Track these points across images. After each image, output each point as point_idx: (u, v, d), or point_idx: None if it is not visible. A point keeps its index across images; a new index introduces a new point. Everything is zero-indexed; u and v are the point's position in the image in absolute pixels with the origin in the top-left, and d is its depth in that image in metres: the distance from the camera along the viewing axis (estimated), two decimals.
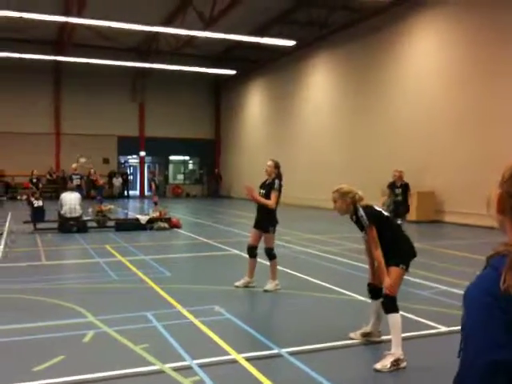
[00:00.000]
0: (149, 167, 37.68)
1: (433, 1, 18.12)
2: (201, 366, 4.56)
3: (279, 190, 7.50)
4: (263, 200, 7.47)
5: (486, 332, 1.18)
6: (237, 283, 7.78)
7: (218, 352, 4.91)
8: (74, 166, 18.78)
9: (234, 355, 4.82)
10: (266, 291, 7.45)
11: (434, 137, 18.05)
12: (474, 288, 1.27)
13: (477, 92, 16.42)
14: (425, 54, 18.74)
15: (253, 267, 7.77)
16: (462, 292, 5.01)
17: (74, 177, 18.08)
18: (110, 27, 20.97)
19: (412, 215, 17.32)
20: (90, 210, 16.98)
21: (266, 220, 7.55)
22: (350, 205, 4.97)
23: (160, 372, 4.45)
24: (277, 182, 7.51)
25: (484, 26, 16.15)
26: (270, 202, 7.41)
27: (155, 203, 19.33)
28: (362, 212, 4.84)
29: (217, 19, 20.78)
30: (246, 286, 7.74)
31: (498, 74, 15.59)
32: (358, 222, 4.95)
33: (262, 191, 7.60)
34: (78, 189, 17.74)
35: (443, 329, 5.70)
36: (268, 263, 7.73)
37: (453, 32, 17.49)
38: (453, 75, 17.49)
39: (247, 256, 7.87)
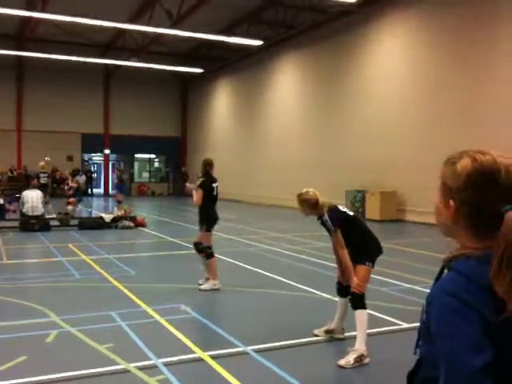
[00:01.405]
0: (113, 165, 37.27)
1: (399, 3, 18.44)
2: (166, 364, 4.55)
3: (203, 188, 7.50)
4: (193, 198, 7.59)
5: (462, 337, 1.19)
6: (200, 281, 7.74)
7: (184, 350, 4.92)
8: (41, 163, 18.44)
9: (199, 353, 4.83)
10: (200, 290, 7.43)
11: (398, 137, 18.38)
12: (440, 293, 1.27)
13: (443, 93, 16.80)
14: (391, 54, 19.07)
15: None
16: (422, 289, 5.22)
17: (41, 175, 17.73)
18: (75, 23, 20.62)
19: (375, 214, 17.68)
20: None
21: (199, 218, 7.67)
22: (311, 210, 5.05)
23: (125, 371, 4.43)
24: (201, 180, 7.56)
25: (449, 26, 16.51)
26: (194, 200, 7.54)
27: (119, 202, 19.05)
28: (326, 217, 4.93)
29: (184, 17, 20.66)
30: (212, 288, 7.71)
31: (464, 74, 15.95)
32: (324, 225, 5.04)
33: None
34: (43, 187, 17.48)
35: (405, 325, 5.84)
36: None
37: (419, 33, 17.83)
38: (419, 76, 17.82)
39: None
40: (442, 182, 1.37)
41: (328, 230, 5.01)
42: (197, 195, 7.51)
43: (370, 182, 18.87)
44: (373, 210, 17.97)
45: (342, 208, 5.17)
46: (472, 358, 1.16)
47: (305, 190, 5.13)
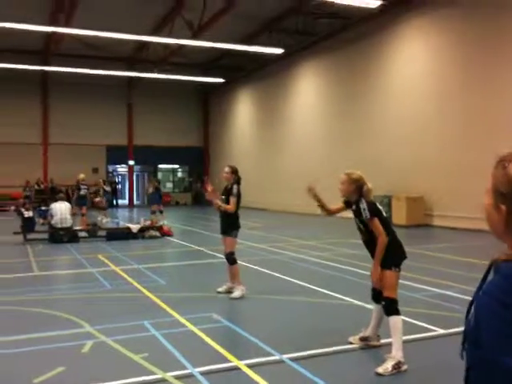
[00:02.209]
0: (138, 176, 37.62)
1: (419, 8, 18.34)
2: (203, 373, 4.55)
3: (238, 195, 7.56)
4: (224, 206, 7.58)
5: (505, 343, 1.18)
6: (219, 289, 7.85)
7: (219, 359, 4.91)
8: (81, 176, 18.76)
9: (235, 362, 4.82)
10: (232, 299, 7.46)
11: (422, 142, 18.21)
12: (484, 297, 1.27)
13: (465, 98, 16.61)
14: (411, 60, 18.94)
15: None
16: (453, 294, 5.15)
17: (82, 187, 18.01)
18: (97, 37, 20.95)
19: (401, 219, 17.50)
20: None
21: (228, 225, 7.68)
22: (354, 192, 4.99)
23: (162, 381, 4.44)
24: (235, 187, 7.57)
25: (471, 31, 16.37)
26: (230, 207, 7.52)
27: (161, 212, 19.32)
28: (365, 205, 4.86)
29: (205, 28, 20.86)
30: (229, 291, 7.78)
31: (487, 80, 15.78)
32: (357, 212, 4.95)
33: (223, 197, 7.69)
34: (83, 198, 17.76)
35: (441, 331, 5.74)
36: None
37: (440, 38, 17.70)
38: (440, 81, 17.68)
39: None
40: (493, 185, 1.34)
41: (357, 216, 4.93)
42: (233, 203, 7.53)
43: (396, 186, 18.69)
44: (399, 215, 17.79)
45: (378, 206, 5.10)
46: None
47: (350, 170, 5.12)
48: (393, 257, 4.89)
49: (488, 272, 1.33)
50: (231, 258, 7.67)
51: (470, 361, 1.32)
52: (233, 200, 7.56)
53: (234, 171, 7.80)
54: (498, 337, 1.19)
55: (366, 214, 4.84)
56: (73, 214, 17.23)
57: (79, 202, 17.79)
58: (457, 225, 16.59)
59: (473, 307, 1.31)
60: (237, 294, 7.57)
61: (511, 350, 1.16)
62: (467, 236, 14.98)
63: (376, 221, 4.84)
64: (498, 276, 1.28)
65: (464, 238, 14.72)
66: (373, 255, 5.01)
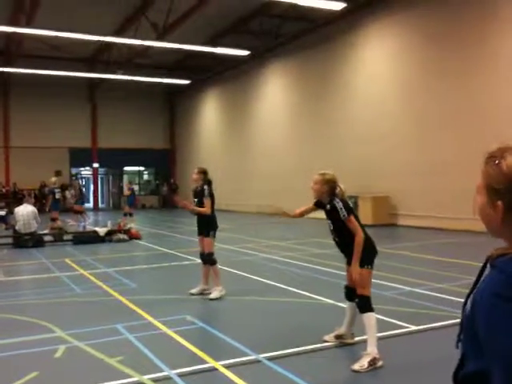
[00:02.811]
0: (102, 179, 37.09)
1: (382, 10, 18.67)
2: (180, 375, 4.53)
3: (211, 195, 7.59)
4: (198, 209, 7.60)
5: (508, 334, 1.19)
6: (192, 290, 7.83)
7: (196, 361, 4.90)
8: (53, 179, 18.43)
9: (212, 363, 4.81)
10: (211, 300, 7.46)
11: (387, 142, 18.53)
12: (483, 292, 1.27)
13: (428, 98, 17.00)
14: (375, 61, 19.27)
15: (207, 274, 7.86)
16: (424, 292, 5.29)
17: (55, 190, 17.64)
18: (60, 37, 20.58)
19: (368, 219, 17.74)
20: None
21: (205, 225, 7.71)
22: (327, 192, 5.01)
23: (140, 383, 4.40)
24: (206, 188, 7.60)
25: (433, 31, 16.75)
26: (205, 209, 7.55)
27: (131, 214, 19.29)
28: (341, 205, 4.88)
29: (170, 29, 20.70)
30: (202, 293, 7.79)
31: (449, 80, 16.17)
32: (330, 212, 4.97)
33: (196, 200, 7.71)
34: (58, 202, 17.48)
35: (413, 328, 5.86)
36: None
37: (403, 39, 18.06)
38: (404, 82, 18.05)
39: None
40: (486, 183, 1.34)
41: (330, 217, 4.96)
42: (208, 204, 7.55)
43: (362, 187, 18.94)
44: (365, 215, 17.99)
45: (350, 204, 5.17)
46: None
47: (324, 171, 5.14)
48: (366, 255, 4.94)
49: (484, 267, 1.34)
50: (211, 259, 7.67)
51: (467, 352, 1.35)
52: (207, 201, 7.56)
53: (203, 172, 7.81)
54: (497, 329, 1.21)
55: (343, 212, 4.86)
56: (53, 219, 16.95)
57: (54, 206, 17.43)
58: (421, 224, 16.96)
59: (469, 301, 1.32)
60: (215, 294, 7.55)
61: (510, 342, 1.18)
62: (431, 234, 15.33)
63: (353, 218, 4.90)
64: (495, 271, 1.28)
65: (428, 236, 15.05)
66: (346, 255, 5.08)
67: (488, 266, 1.33)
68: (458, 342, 1.41)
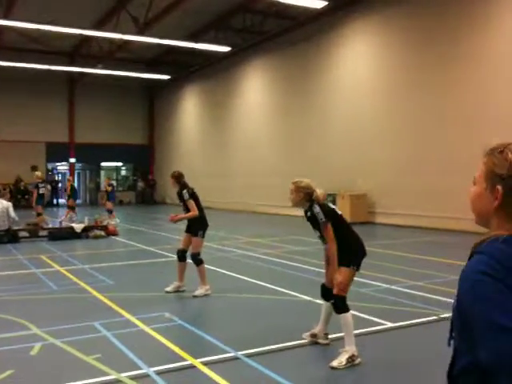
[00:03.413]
0: (79, 174, 36.64)
1: (365, 8, 18.77)
2: (158, 373, 4.51)
3: (192, 197, 7.61)
4: (185, 216, 7.67)
5: (492, 304, 1.25)
6: (167, 288, 7.80)
7: (174, 358, 4.88)
8: (38, 173, 18.12)
9: (190, 361, 4.80)
10: (194, 297, 7.46)
11: (366, 141, 18.68)
12: (467, 273, 1.34)
13: (407, 97, 17.16)
14: (357, 59, 19.39)
15: (182, 271, 7.83)
16: (400, 289, 5.36)
17: (40, 185, 17.32)
18: (38, 30, 20.26)
19: (346, 217, 17.83)
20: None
21: (195, 224, 7.71)
22: (303, 199, 4.99)
23: (117, 382, 4.37)
24: (184, 191, 7.63)
25: (416, 29, 16.90)
26: (193, 214, 7.57)
27: (110, 211, 19.19)
28: (318, 209, 4.85)
29: (151, 23, 20.53)
30: (177, 290, 7.78)
31: (431, 79, 16.30)
32: (312, 219, 4.96)
33: (181, 203, 7.77)
34: (42, 197, 17.37)
35: (389, 324, 5.93)
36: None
37: (385, 37, 18.19)
38: (384, 80, 18.19)
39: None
40: (488, 170, 1.42)
41: (314, 224, 4.95)
42: (192, 206, 7.55)
43: (341, 185, 19.08)
44: (343, 213, 17.93)
45: (331, 205, 5.18)
46: (504, 319, 1.22)
47: (298, 179, 5.10)
48: (352, 254, 4.93)
49: (470, 259, 1.39)
50: (197, 259, 7.62)
51: (459, 346, 1.38)
52: (190, 204, 7.56)
53: (176, 176, 7.81)
54: (486, 301, 1.26)
55: (320, 216, 4.84)
56: (39, 214, 16.67)
57: (39, 201, 17.14)
58: (398, 222, 17.14)
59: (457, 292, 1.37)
60: (200, 292, 7.54)
61: (500, 310, 1.23)
62: (408, 232, 15.51)
63: (329, 226, 4.84)
64: (478, 255, 1.34)
65: (405, 234, 15.22)
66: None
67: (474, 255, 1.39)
68: (450, 339, 1.44)
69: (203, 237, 7.74)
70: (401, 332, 5.75)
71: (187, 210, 7.66)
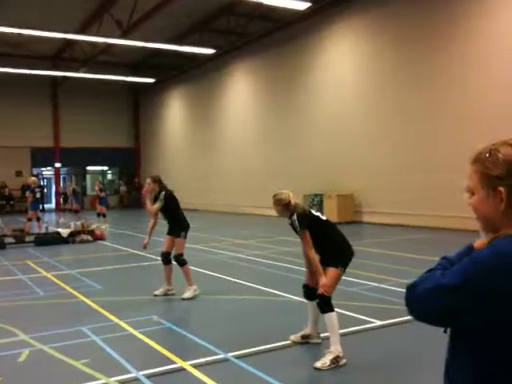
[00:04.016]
0: (64, 179, 36.38)
1: (348, 9, 18.87)
2: (148, 376, 4.50)
3: (166, 199, 7.64)
4: (151, 224, 7.89)
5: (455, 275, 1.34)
6: (156, 292, 7.79)
7: (164, 361, 4.87)
8: (33, 178, 17.96)
9: (180, 363, 4.79)
10: (183, 299, 7.45)
11: (352, 141, 18.78)
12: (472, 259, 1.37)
13: (394, 97, 17.28)
14: (342, 60, 19.49)
15: (169, 274, 7.84)
16: (389, 287, 5.40)
17: (36, 189, 17.14)
18: (20, 34, 20.10)
19: (333, 217, 17.94)
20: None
21: (174, 226, 7.77)
22: (283, 210, 5.15)
23: None
24: (162, 194, 7.67)
25: (400, 29, 17.03)
26: (152, 209, 7.67)
27: (104, 215, 19.26)
28: (295, 217, 5.02)
29: (135, 26, 20.44)
30: (166, 293, 7.77)
31: (417, 79, 16.41)
32: (293, 226, 5.11)
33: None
34: (38, 202, 17.24)
35: (378, 323, 5.97)
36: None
37: (369, 38, 18.30)
38: (370, 81, 18.29)
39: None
40: (483, 175, 1.41)
41: (296, 231, 5.07)
42: (155, 207, 7.63)
43: (328, 185, 19.17)
44: (331, 213, 18.16)
45: (314, 212, 5.25)
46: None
47: (280, 191, 5.24)
48: (339, 255, 4.99)
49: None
50: (180, 260, 7.63)
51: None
52: (155, 205, 7.65)
53: (156, 181, 7.84)
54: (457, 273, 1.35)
55: (296, 224, 4.99)
56: (29, 219, 16.47)
57: (34, 205, 16.95)
58: (385, 221, 17.25)
59: None
60: (188, 294, 7.53)
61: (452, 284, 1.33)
62: (394, 231, 15.61)
63: (306, 234, 4.96)
64: (487, 249, 1.35)
65: (392, 233, 15.32)
66: (322, 262, 5.09)
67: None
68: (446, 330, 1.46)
69: (185, 237, 7.78)
70: (388, 330, 5.79)
71: (167, 213, 7.73)
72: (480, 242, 1.46)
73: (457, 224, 13.72)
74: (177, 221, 7.76)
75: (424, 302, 1.39)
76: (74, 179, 36.31)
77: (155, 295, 7.72)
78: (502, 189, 1.36)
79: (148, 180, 7.90)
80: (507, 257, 1.28)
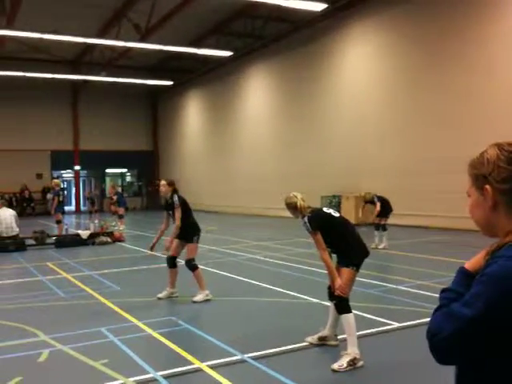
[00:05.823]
0: (84, 182, 36.79)
1: (363, 11, 18.81)
2: (165, 377, 4.53)
3: (181, 204, 7.62)
4: (175, 232, 7.71)
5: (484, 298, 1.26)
6: (159, 295, 7.78)
7: (181, 362, 4.90)
8: (56, 181, 18.02)
9: (197, 364, 4.82)
10: (194, 302, 7.45)
11: (371, 142, 18.69)
12: (494, 275, 1.29)
13: (414, 97, 17.16)
14: (357, 62, 19.42)
15: (174, 277, 7.83)
16: (407, 289, 5.36)
17: (60, 192, 17.29)
18: (41, 39, 20.39)
19: (351, 218, 17.77)
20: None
21: (186, 231, 7.69)
22: (295, 212, 5.13)
23: None
24: (175, 197, 7.63)
25: (414, 31, 16.93)
26: (177, 224, 7.59)
27: (121, 216, 18.88)
28: (306, 219, 4.98)
29: (153, 30, 20.65)
30: (170, 296, 7.78)
31: (431, 81, 16.32)
32: (305, 227, 5.08)
33: (170, 212, 7.78)
34: (62, 204, 17.09)
35: (396, 325, 5.93)
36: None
37: (384, 40, 18.23)
38: (386, 83, 18.21)
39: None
40: (473, 176, 1.43)
41: (309, 232, 5.07)
42: (178, 214, 7.58)
43: (346, 186, 19.10)
44: (348, 215, 18.10)
45: (326, 210, 5.22)
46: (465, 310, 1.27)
47: (289, 194, 5.23)
48: (352, 255, 4.98)
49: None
50: (192, 264, 7.61)
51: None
52: (177, 214, 7.57)
53: (170, 183, 7.82)
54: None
55: (307, 227, 4.96)
56: (59, 222, 16.51)
57: (59, 208, 16.99)
58: (403, 222, 17.09)
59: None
60: (199, 297, 7.52)
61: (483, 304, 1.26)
62: (414, 232, 15.48)
63: (318, 236, 4.92)
64: (502, 260, 1.30)
65: (411, 234, 15.19)
66: (336, 256, 5.09)
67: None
68: None
69: (198, 242, 7.76)
70: (407, 332, 5.75)
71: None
72: (473, 260, 1.44)
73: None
74: (188, 226, 7.69)
75: (459, 344, 1.30)
76: (93, 182, 36.73)
77: (159, 298, 7.72)
78: (487, 186, 1.38)
79: (163, 182, 7.86)
80: None
